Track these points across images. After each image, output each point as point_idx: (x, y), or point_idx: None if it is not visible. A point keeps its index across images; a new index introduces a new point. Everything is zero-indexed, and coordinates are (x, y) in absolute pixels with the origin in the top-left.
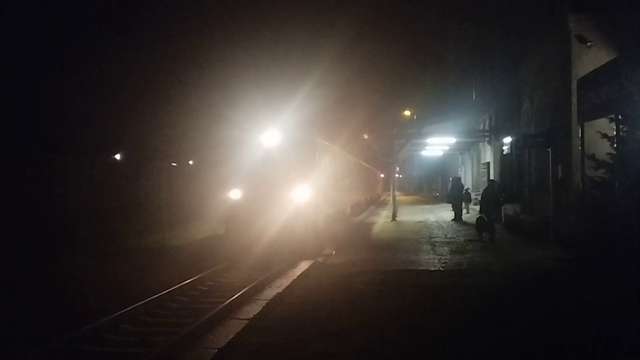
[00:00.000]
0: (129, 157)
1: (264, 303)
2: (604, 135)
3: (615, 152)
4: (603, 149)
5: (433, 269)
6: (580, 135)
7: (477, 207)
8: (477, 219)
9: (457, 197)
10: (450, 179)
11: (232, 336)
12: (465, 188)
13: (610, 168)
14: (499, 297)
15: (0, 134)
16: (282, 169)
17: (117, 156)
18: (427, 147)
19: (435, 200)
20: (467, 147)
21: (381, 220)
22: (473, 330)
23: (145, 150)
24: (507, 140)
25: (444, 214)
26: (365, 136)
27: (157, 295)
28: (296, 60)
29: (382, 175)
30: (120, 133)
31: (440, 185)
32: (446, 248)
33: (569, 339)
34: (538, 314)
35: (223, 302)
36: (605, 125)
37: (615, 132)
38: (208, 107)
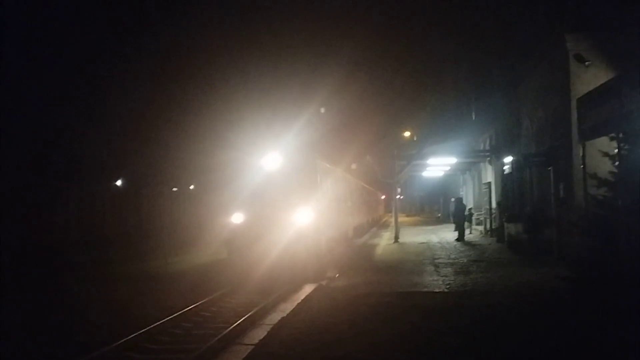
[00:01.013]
0: (129, 183)
1: (268, 328)
2: (605, 154)
3: (617, 170)
4: (604, 167)
5: (437, 290)
6: (581, 154)
7: (480, 227)
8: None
9: (459, 218)
10: (452, 199)
11: None
12: (467, 208)
13: (612, 186)
14: (505, 318)
15: (2, 161)
16: (284, 192)
17: (118, 182)
18: (428, 168)
19: (437, 221)
20: (468, 167)
21: (383, 242)
22: (480, 352)
23: (145, 176)
24: (508, 159)
25: (447, 234)
26: (367, 158)
27: (161, 321)
28: (298, 84)
29: (383, 197)
30: (120, 159)
31: (442, 206)
32: (450, 269)
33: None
34: (545, 334)
35: (227, 328)
36: (606, 143)
37: (616, 150)
38: (209, 131)
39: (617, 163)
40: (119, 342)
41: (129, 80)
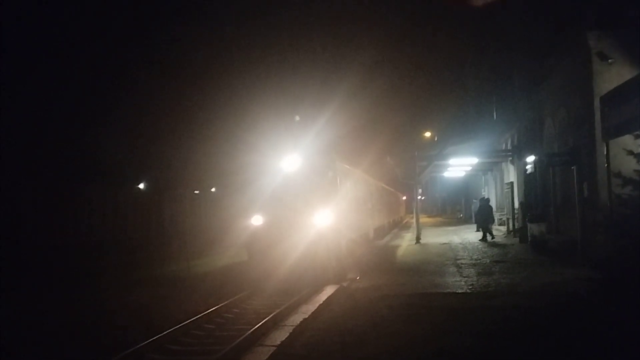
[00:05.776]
0: (152, 185)
1: (290, 329)
2: (630, 152)
3: None
4: (629, 165)
5: (460, 291)
6: (605, 152)
7: (502, 228)
8: None
9: (484, 218)
10: (475, 200)
11: None
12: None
13: (637, 185)
14: (529, 320)
15: (26, 165)
16: (304, 194)
17: (141, 185)
18: (449, 169)
19: (459, 221)
20: (490, 167)
21: (405, 243)
22: (504, 354)
23: (167, 178)
24: (530, 159)
25: (469, 235)
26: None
27: (183, 323)
28: (317, 85)
29: (404, 198)
30: (143, 162)
31: (464, 207)
32: (472, 270)
33: None
34: (570, 338)
35: (249, 329)
36: (630, 141)
37: None
38: (230, 133)
39: None
40: (142, 343)
41: (151, 84)
